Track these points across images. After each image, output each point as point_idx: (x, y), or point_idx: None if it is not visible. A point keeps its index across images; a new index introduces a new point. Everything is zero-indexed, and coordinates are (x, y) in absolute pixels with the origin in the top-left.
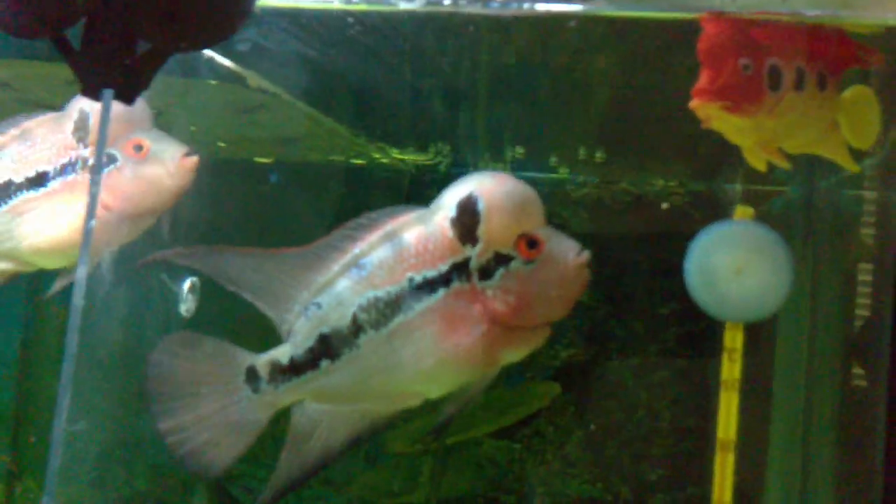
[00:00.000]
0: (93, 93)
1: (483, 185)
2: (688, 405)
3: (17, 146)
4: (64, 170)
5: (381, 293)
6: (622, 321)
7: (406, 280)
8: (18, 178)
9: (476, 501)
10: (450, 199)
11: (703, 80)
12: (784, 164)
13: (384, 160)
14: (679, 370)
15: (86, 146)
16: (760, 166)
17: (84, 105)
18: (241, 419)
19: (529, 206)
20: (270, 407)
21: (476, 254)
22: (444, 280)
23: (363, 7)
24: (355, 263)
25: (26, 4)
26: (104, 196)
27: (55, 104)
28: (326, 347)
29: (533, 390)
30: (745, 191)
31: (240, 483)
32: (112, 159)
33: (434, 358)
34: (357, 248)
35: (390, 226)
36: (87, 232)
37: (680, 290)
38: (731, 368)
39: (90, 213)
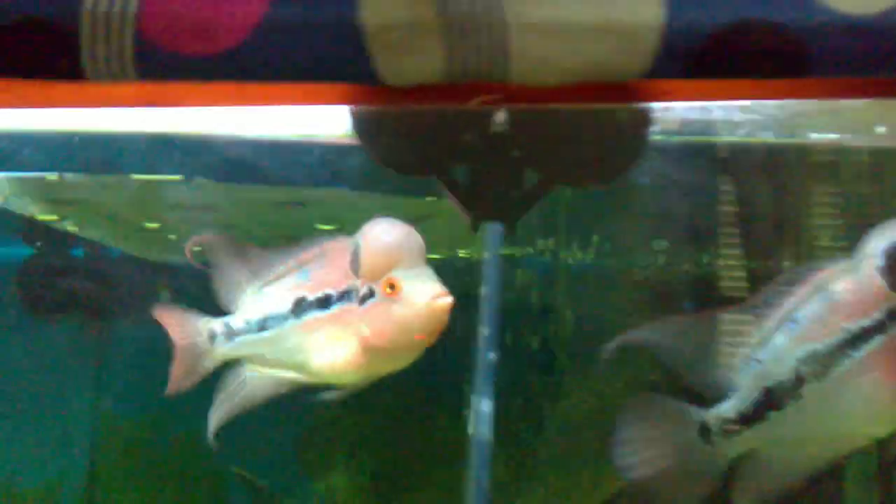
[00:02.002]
0: (475, 224)
1: None
2: None
3: (315, 266)
4: (342, 296)
5: (819, 346)
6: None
7: (841, 331)
8: (311, 297)
9: None
10: (875, 247)
11: None
12: None
13: None
14: None
15: (357, 276)
16: None
17: (364, 234)
18: (698, 470)
19: None
20: (723, 457)
21: None
22: (878, 327)
23: None
24: (790, 318)
25: (415, 147)
26: (363, 329)
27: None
28: (771, 400)
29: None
30: None
31: None
32: (371, 294)
33: (879, 401)
34: (790, 304)
35: (818, 278)
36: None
37: None
38: None
39: None
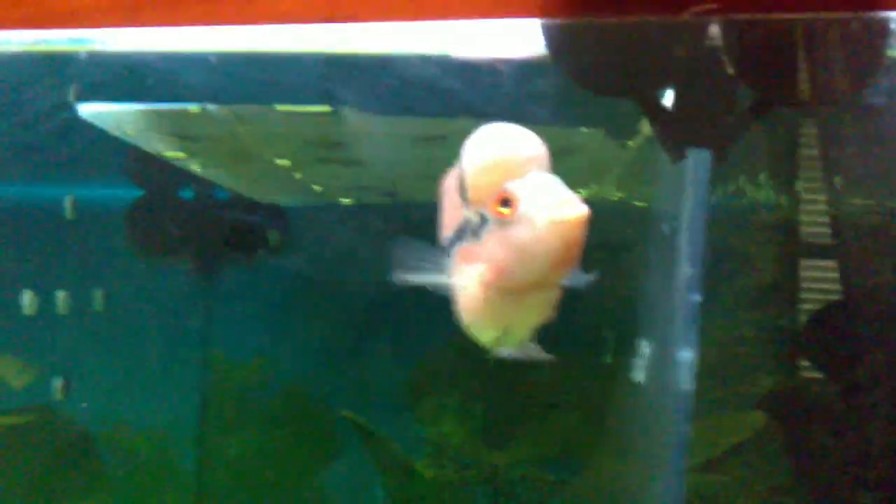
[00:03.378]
0: (679, 153)
1: None
2: None
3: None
4: (458, 237)
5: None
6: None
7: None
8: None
9: None
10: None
11: None
12: None
13: None
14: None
15: (467, 206)
16: None
17: (466, 150)
18: None
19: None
20: None
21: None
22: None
23: None
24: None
25: (616, 65)
26: (483, 267)
27: None
28: None
29: (737, 421)
30: None
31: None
32: (483, 221)
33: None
34: None
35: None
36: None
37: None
38: None
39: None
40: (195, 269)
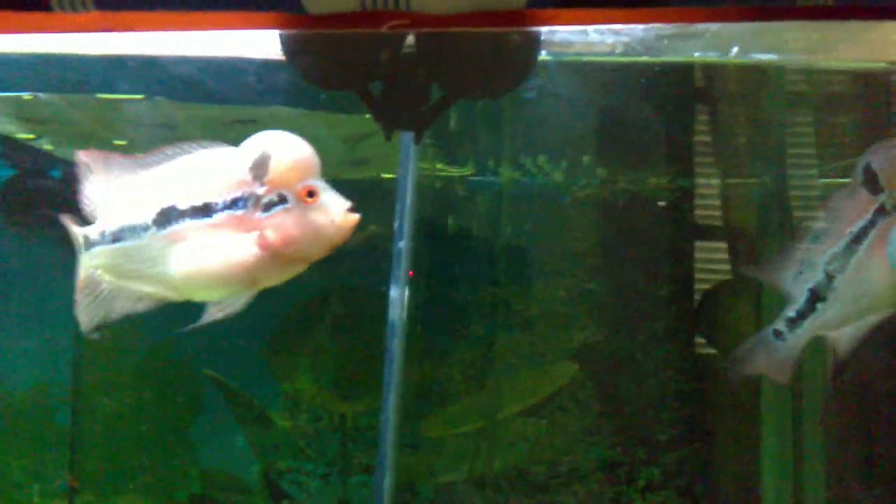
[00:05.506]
0: (389, 134)
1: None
2: (690, 373)
3: (186, 174)
4: (234, 204)
5: (835, 249)
6: (627, 305)
7: (847, 234)
8: (183, 206)
9: (510, 474)
10: (857, 167)
11: None
12: None
13: None
14: (680, 343)
15: (262, 185)
16: None
17: (266, 145)
18: (781, 359)
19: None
20: (795, 347)
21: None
22: (870, 225)
23: None
24: (814, 237)
25: (338, 64)
26: (268, 234)
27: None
28: (816, 296)
29: (554, 371)
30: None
31: (289, 478)
32: (283, 200)
33: (885, 275)
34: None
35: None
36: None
37: (678, 276)
38: None
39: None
40: (66, 241)
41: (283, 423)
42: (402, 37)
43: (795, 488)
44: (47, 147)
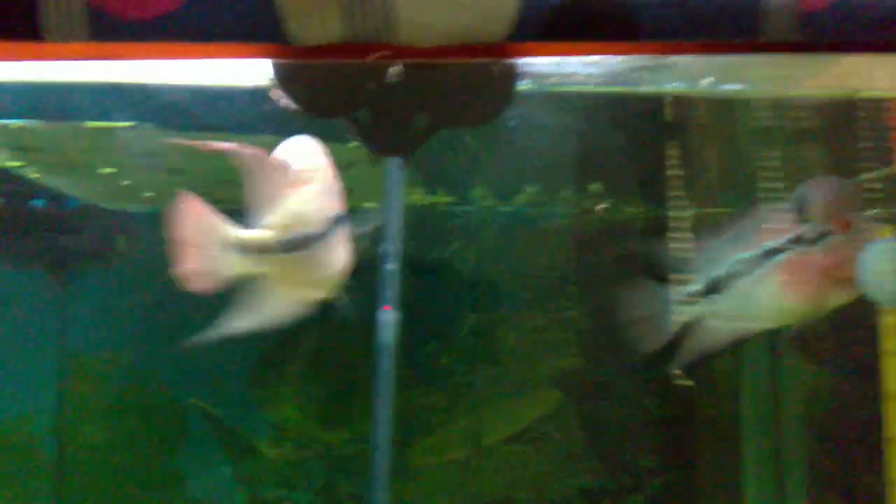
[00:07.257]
0: (375, 159)
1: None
2: (671, 399)
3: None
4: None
5: (746, 255)
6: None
7: (762, 247)
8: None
9: (497, 501)
10: (794, 195)
11: None
12: None
13: None
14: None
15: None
16: None
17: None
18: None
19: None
20: (677, 321)
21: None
22: (784, 248)
23: None
24: (737, 236)
25: (325, 92)
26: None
27: None
28: (715, 286)
29: (537, 398)
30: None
31: None
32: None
33: (778, 298)
34: (740, 227)
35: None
36: None
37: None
38: None
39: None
40: (50, 272)
41: (269, 452)
42: (388, 67)
43: None
44: (34, 175)
